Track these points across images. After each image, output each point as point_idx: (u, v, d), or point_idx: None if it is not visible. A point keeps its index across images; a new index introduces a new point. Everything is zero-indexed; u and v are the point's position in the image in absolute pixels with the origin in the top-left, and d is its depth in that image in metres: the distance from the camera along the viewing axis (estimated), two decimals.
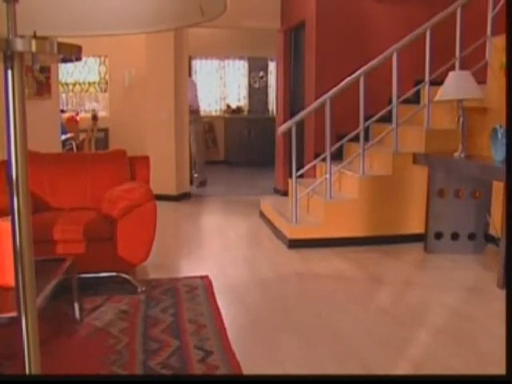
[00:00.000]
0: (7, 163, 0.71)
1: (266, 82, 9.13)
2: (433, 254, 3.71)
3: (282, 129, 3.85)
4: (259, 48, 8.53)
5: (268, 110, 9.18)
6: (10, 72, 0.60)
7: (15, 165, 0.68)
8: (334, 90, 3.87)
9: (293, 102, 5.93)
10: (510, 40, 2.94)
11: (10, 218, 0.94)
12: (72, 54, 0.56)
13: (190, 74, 8.74)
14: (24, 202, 0.74)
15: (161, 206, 4.55)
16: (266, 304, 2.89)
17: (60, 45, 0.54)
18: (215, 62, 9.07)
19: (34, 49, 0.52)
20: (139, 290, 2.96)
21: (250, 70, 9.05)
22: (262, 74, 9.10)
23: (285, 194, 5.72)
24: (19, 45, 0.51)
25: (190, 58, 8.44)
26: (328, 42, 4.93)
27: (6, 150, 0.68)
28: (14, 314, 1.88)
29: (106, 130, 8.12)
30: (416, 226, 3.98)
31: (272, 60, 8.70)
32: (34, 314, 0.83)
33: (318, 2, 4.87)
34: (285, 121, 6.01)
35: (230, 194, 6.31)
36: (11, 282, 2.18)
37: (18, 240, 0.71)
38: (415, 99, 4.51)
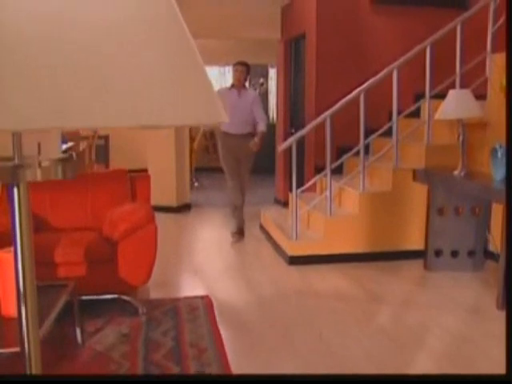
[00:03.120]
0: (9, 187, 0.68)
1: (267, 88, 9.18)
2: (432, 271, 3.76)
3: (282, 147, 3.90)
4: (259, 55, 8.55)
5: (268, 117, 9.21)
6: (15, 190, 0.64)
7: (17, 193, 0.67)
8: (334, 108, 3.92)
9: (293, 111, 5.98)
10: (510, 60, 2.98)
11: (12, 249, 0.98)
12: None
13: None
14: (27, 234, 0.73)
15: (161, 217, 4.61)
16: (266, 325, 2.94)
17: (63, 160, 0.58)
18: (215, 69, 9.11)
19: (39, 178, 0.56)
20: (140, 311, 3.01)
21: (250, 77, 9.08)
22: (262, 80, 9.15)
23: (285, 204, 5.77)
24: (27, 175, 0.56)
25: None
26: (328, 54, 4.97)
27: None
28: (16, 349, 1.93)
29: (106, 137, 8.18)
30: (416, 242, 4.03)
31: (272, 66, 8.74)
32: (37, 348, 0.84)
33: (318, 15, 4.91)
34: (285, 130, 6.07)
35: (228, 202, 6.31)
36: (14, 313, 2.24)
37: (20, 273, 0.72)
38: (416, 112, 4.55)
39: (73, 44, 0.44)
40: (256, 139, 4.64)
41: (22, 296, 0.73)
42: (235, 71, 4.71)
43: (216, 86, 9.03)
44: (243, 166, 4.83)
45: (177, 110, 0.54)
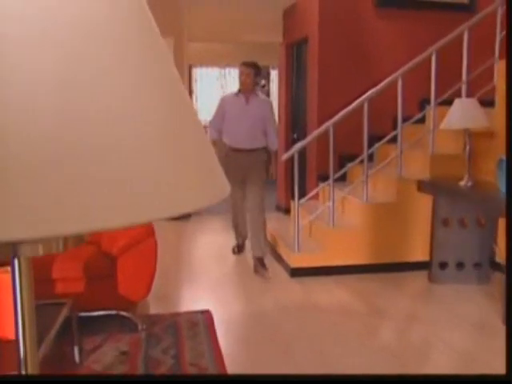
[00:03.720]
0: None
1: (268, 90, 9.15)
2: (437, 284, 3.74)
3: (284, 157, 3.88)
4: (261, 56, 8.53)
5: None
6: (17, 275, 0.62)
7: None
8: (337, 117, 3.90)
9: (295, 116, 5.96)
10: (511, 64, 2.96)
11: (9, 268, 0.96)
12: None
13: (190, 83, 8.79)
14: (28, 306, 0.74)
15: (160, 226, 4.60)
16: (267, 340, 2.92)
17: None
18: (215, 71, 9.09)
19: (41, 253, 0.55)
20: (140, 327, 2.99)
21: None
22: (263, 82, 9.11)
23: (286, 211, 5.75)
24: (27, 251, 0.54)
25: (191, 67, 8.48)
26: (331, 59, 4.95)
27: None
28: (14, 372, 1.92)
29: None
30: (420, 254, 4.01)
31: (274, 68, 8.72)
32: (35, 372, 0.83)
33: (320, 19, 4.89)
34: (287, 136, 6.05)
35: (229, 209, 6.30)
36: (11, 335, 2.22)
37: (18, 295, 0.69)
38: (421, 118, 4.53)
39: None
40: (271, 161, 4.12)
41: (20, 319, 0.71)
42: (240, 74, 4.04)
43: (216, 88, 9.04)
44: (251, 189, 4.01)
45: (174, 198, 0.50)
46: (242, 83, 4.02)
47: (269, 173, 4.21)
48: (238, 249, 4.57)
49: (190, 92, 8.77)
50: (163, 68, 0.54)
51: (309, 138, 3.94)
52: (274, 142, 4.10)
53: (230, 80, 9.08)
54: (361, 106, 3.97)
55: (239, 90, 4.09)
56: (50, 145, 0.42)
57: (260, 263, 4.02)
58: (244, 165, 4.03)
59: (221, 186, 0.58)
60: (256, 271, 4.02)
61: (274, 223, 4.98)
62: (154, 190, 0.47)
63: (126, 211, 0.44)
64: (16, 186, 0.40)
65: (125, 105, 0.47)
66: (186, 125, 0.56)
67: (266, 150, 4.09)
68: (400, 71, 3.94)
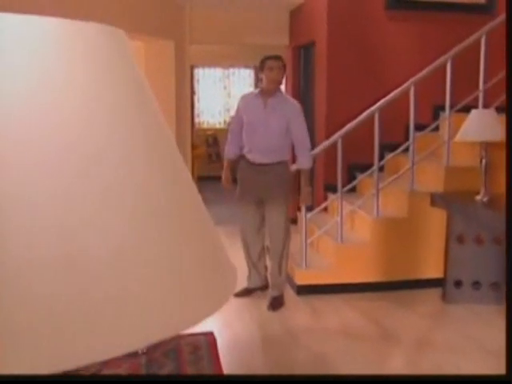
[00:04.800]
0: None
1: None
2: (452, 303, 3.65)
3: (292, 169, 3.77)
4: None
5: None
6: None
7: None
8: (346, 128, 3.81)
9: None
10: (510, 70, 2.86)
11: None
12: None
13: (191, 84, 8.70)
14: None
15: None
16: (271, 366, 2.85)
17: None
18: (219, 71, 9.00)
19: None
20: (140, 351, 2.92)
21: (257, 80, 8.98)
22: None
23: (293, 221, 5.66)
24: None
25: (193, 67, 8.39)
26: (340, 64, 4.85)
27: None
28: None
29: None
30: (433, 271, 3.92)
31: None
32: None
33: (329, 22, 4.79)
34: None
35: (235, 219, 6.18)
36: None
37: None
38: (434, 126, 4.42)
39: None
40: (305, 188, 3.43)
41: None
42: (269, 69, 3.32)
43: (219, 89, 8.95)
44: (271, 212, 3.44)
45: (178, 318, 0.46)
46: (271, 80, 3.32)
47: (308, 198, 3.57)
48: (277, 303, 3.58)
49: (192, 93, 8.69)
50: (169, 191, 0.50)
51: (316, 150, 3.85)
52: (306, 159, 3.40)
53: (233, 81, 9.00)
54: (371, 115, 3.87)
55: (261, 90, 3.42)
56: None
57: (279, 302, 3.56)
58: (260, 182, 3.41)
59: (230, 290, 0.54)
60: (272, 308, 3.53)
61: None
62: (155, 318, 0.47)
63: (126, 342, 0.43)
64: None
65: (127, 240, 0.45)
66: (191, 237, 0.52)
67: (286, 163, 3.46)
68: (413, 79, 3.84)
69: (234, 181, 3.64)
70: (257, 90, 3.52)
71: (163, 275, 0.46)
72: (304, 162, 3.45)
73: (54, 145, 0.39)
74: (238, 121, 3.55)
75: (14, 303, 0.38)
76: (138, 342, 0.44)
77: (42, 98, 0.42)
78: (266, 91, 3.38)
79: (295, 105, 3.42)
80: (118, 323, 0.42)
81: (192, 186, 0.53)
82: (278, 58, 3.44)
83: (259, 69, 3.46)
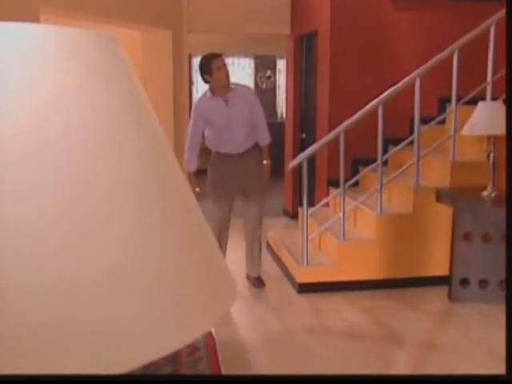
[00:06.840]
0: None
1: (274, 82, 9.04)
2: (458, 302, 3.66)
3: (291, 165, 3.79)
4: (267, 45, 8.42)
5: (276, 114, 9.08)
6: None
7: None
8: (348, 121, 3.81)
9: (304, 115, 5.86)
10: (510, 63, 2.86)
11: None
12: None
13: (190, 74, 8.68)
14: None
15: None
16: (271, 368, 2.87)
17: None
18: None
19: None
20: None
21: (257, 70, 8.96)
22: (269, 73, 9.00)
23: (293, 216, 5.68)
24: None
25: (191, 57, 8.36)
26: (343, 55, 4.85)
27: None
28: None
29: None
30: (438, 269, 3.93)
31: (281, 58, 8.60)
32: None
33: (332, 12, 4.77)
34: (294, 136, 5.96)
35: (235, 214, 6.23)
36: None
37: None
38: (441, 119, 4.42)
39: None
40: (265, 162, 3.63)
41: None
42: (218, 69, 3.38)
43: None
44: (252, 200, 3.70)
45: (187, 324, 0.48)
46: (225, 78, 3.41)
47: (268, 172, 3.70)
48: (258, 282, 4.02)
49: (190, 83, 8.67)
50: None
51: (318, 145, 3.85)
52: (266, 136, 3.67)
53: (233, 70, 8.97)
54: (375, 108, 3.87)
55: (212, 91, 3.47)
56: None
57: (259, 282, 3.98)
58: (241, 169, 3.58)
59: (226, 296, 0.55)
60: (256, 286, 3.98)
61: (280, 230, 4.91)
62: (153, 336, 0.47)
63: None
64: None
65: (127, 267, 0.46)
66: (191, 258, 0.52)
67: (258, 146, 3.66)
68: (418, 70, 3.84)
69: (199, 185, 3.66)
70: (209, 93, 3.52)
71: (160, 295, 0.47)
72: (265, 138, 3.70)
73: (47, 163, 0.39)
74: (199, 131, 3.59)
75: (6, 332, 0.38)
76: (132, 363, 0.45)
77: (35, 110, 0.43)
78: (222, 89, 3.45)
79: (249, 89, 3.80)
80: (113, 346, 0.43)
81: (191, 200, 0.54)
82: (219, 55, 3.53)
83: (204, 72, 3.46)
